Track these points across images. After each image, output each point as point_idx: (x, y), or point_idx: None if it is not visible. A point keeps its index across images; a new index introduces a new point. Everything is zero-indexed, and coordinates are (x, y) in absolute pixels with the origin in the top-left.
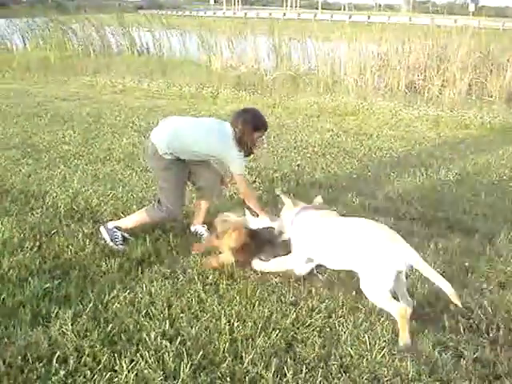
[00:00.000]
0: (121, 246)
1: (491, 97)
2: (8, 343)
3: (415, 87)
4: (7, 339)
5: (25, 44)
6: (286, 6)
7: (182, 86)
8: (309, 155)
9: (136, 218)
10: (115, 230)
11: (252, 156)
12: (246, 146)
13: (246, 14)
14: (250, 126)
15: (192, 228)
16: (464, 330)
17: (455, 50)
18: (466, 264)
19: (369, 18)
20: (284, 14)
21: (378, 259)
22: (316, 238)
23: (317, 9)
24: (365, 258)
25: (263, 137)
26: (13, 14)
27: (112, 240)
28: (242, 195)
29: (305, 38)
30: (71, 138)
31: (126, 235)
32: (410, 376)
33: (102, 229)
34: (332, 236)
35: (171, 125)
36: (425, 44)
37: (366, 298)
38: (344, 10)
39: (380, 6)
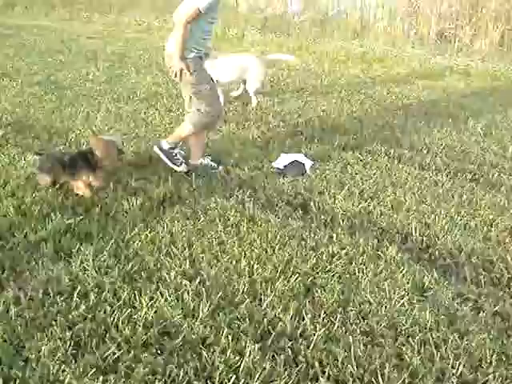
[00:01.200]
0: (183, 166)
1: None
2: (30, 277)
3: (446, 36)
4: (29, 273)
5: None
6: None
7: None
8: (334, 101)
9: (182, 133)
10: (171, 150)
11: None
12: None
13: None
14: None
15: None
16: (485, 283)
17: None
18: (491, 217)
19: None
20: None
21: None
22: None
23: None
24: None
25: None
26: None
27: (173, 162)
28: (178, 20)
29: None
30: (95, 75)
31: (182, 152)
32: (428, 325)
33: (156, 150)
34: None
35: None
36: None
37: (387, 247)
38: None
39: None
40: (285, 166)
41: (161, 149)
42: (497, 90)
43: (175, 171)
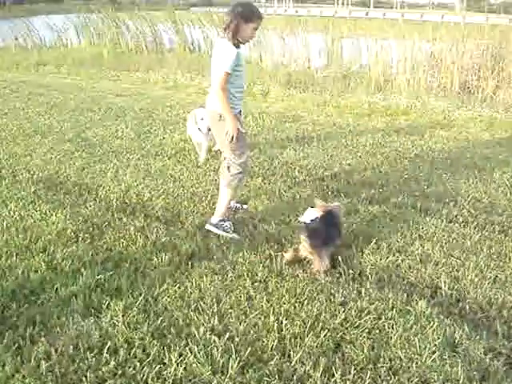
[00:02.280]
0: (235, 234)
1: None
2: (60, 332)
3: (469, 87)
4: (59, 328)
5: (79, 39)
6: (338, 4)
7: None
8: (359, 154)
9: (224, 200)
10: (221, 222)
11: (243, 45)
12: (240, 37)
13: (297, 11)
14: (243, 19)
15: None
16: None
17: (511, 49)
18: None
19: (422, 16)
20: (335, 12)
21: None
22: None
23: (368, 7)
24: None
25: (258, 26)
26: (67, 9)
27: (225, 231)
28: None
29: (356, 36)
30: (124, 132)
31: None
32: (460, 382)
33: (209, 227)
34: None
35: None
36: (479, 43)
37: (417, 302)
38: (396, 8)
39: (433, 4)
40: (312, 221)
41: (211, 224)
42: None
43: (203, 226)
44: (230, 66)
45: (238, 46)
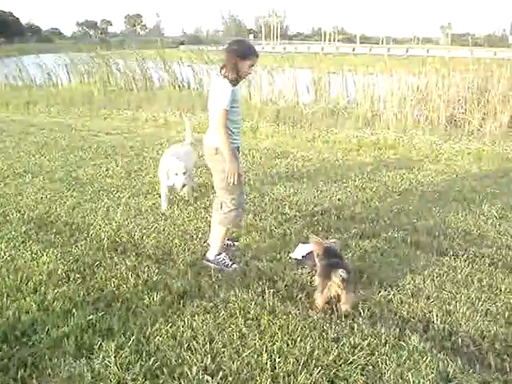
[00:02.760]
0: (234, 265)
1: None
2: (52, 374)
3: (455, 120)
4: (51, 370)
5: (69, 78)
6: (324, 41)
7: None
8: (349, 189)
9: (218, 237)
10: (217, 257)
11: (240, 84)
12: (236, 74)
13: (284, 48)
14: (239, 56)
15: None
16: (510, 370)
17: (496, 82)
18: (511, 301)
19: (407, 51)
20: (322, 49)
21: None
22: None
23: (355, 43)
24: None
25: (255, 63)
26: (57, 49)
27: (225, 266)
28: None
29: (343, 71)
30: (114, 171)
31: (229, 254)
32: None
33: (206, 263)
34: None
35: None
36: (465, 77)
37: (409, 337)
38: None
39: (418, 39)
40: (303, 257)
41: (208, 260)
42: (509, 172)
43: (194, 264)
44: (227, 103)
45: (235, 84)
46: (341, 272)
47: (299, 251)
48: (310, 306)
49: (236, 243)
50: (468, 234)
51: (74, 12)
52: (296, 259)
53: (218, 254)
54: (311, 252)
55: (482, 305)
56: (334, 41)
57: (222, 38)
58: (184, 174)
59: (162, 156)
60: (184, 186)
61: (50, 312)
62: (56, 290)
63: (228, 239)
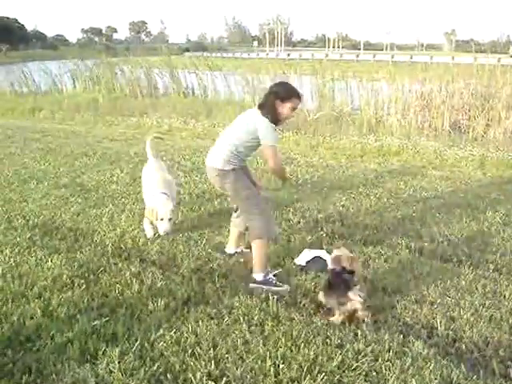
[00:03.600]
0: (285, 286)
1: None
2: (56, 380)
3: (459, 127)
4: (55, 376)
5: (74, 85)
6: (329, 47)
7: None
8: (353, 196)
9: (259, 253)
10: (266, 277)
11: (281, 126)
12: (275, 116)
13: (288, 54)
14: (278, 98)
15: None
16: None
17: (500, 89)
18: None
19: (411, 57)
20: (326, 55)
21: None
22: None
23: (359, 49)
24: None
25: (298, 106)
26: (62, 55)
27: (274, 285)
28: (271, 169)
29: (347, 78)
30: (119, 177)
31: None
32: None
33: (254, 286)
34: None
35: (219, 140)
36: (468, 83)
37: (413, 343)
38: (386, 50)
39: (422, 45)
40: (307, 262)
41: (256, 282)
42: None
43: (199, 270)
44: (275, 139)
45: (276, 124)
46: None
47: (304, 257)
48: (314, 312)
49: (246, 250)
50: (472, 241)
51: (79, 19)
52: (300, 265)
53: (266, 275)
54: (315, 257)
55: (485, 311)
56: (338, 47)
57: (226, 45)
58: (170, 219)
59: (145, 168)
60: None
61: (55, 317)
62: (60, 296)
63: (237, 247)
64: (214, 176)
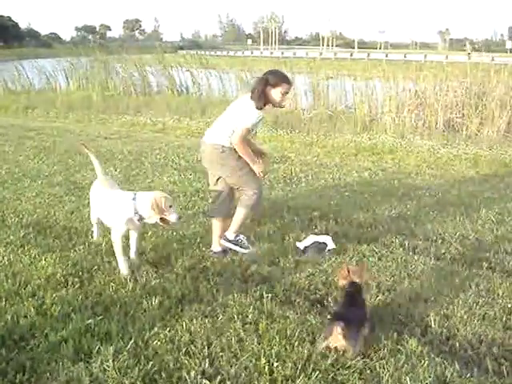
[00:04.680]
0: (251, 248)
1: None
2: (50, 378)
3: (453, 125)
4: (49, 374)
5: (68, 83)
6: (323, 46)
7: None
8: (347, 194)
9: (241, 218)
10: (237, 237)
11: (265, 111)
12: (264, 100)
13: (282, 53)
14: (270, 84)
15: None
16: (507, 374)
17: (493, 87)
18: (509, 305)
19: (405, 56)
20: (320, 54)
21: None
22: None
23: (353, 48)
24: None
25: (288, 91)
26: (56, 53)
27: (243, 247)
28: (235, 145)
29: (342, 76)
30: (112, 175)
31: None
32: None
33: (225, 243)
34: None
35: (218, 121)
36: (462, 82)
37: (407, 341)
38: (380, 48)
39: (416, 44)
40: (306, 247)
41: (227, 240)
42: (506, 176)
43: (194, 268)
44: (250, 125)
45: (259, 108)
46: (340, 328)
47: (305, 242)
48: (308, 310)
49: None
50: (466, 239)
51: (72, 17)
52: (298, 248)
53: (237, 236)
54: (313, 243)
55: (479, 309)
56: (333, 46)
57: (220, 43)
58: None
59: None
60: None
61: (49, 316)
62: (54, 295)
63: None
64: (220, 152)
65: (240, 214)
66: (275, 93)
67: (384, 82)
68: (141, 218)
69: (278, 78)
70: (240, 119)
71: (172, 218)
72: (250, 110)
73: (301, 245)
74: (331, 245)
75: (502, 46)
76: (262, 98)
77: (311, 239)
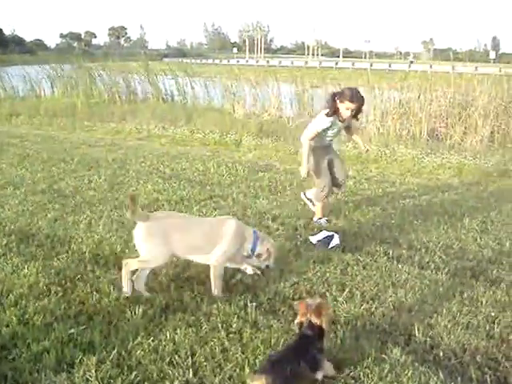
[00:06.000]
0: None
1: None
2: None
3: (437, 135)
4: None
5: (53, 90)
6: (308, 55)
7: (205, 133)
8: (332, 203)
9: (317, 208)
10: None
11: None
12: (332, 109)
13: (268, 62)
14: (337, 99)
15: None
16: (491, 382)
17: (477, 97)
18: (493, 314)
19: (390, 65)
20: (306, 62)
21: None
22: None
23: (338, 57)
24: None
25: (350, 109)
26: (40, 60)
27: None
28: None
29: (327, 85)
30: (97, 183)
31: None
32: None
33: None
34: None
35: None
36: (446, 91)
37: (391, 350)
38: (365, 57)
39: (401, 53)
40: (318, 241)
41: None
42: (490, 185)
43: (178, 277)
44: (314, 130)
45: (330, 115)
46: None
47: (318, 236)
48: (293, 319)
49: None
50: (449, 248)
51: (57, 24)
52: (311, 242)
53: (320, 218)
54: (327, 237)
55: (463, 318)
56: (318, 55)
57: (206, 51)
58: None
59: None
60: None
61: (31, 325)
62: (37, 304)
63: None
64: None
65: (316, 207)
66: (341, 107)
67: (368, 91)
68: None
69: (344, 95)
70: (311, 124)
71: None
72: (318, 118)
73: (313, 239)
74: (336, 241)
75: (486, 56)
76: (331, 109)
77: (323, 234)
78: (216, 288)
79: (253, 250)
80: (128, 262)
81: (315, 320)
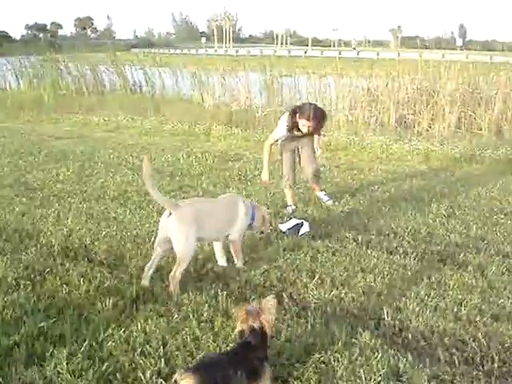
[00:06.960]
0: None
1: (480, 130)
2: (3, 383)
3: (405, 122)
4: (2, 379)
5: (18, 82)
6: (277, 44)
7: (174, 123)
8: (301, 190)
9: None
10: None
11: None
12: (290, 124)
13: (237, 51)
14: (296, 114)
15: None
16: (459, 363)
17: (444, 84)
18: (460, 297)
19: (358, 53)
20: (275, 51)
21: None
22: None
23: (307, 45)
24: None
25: (307, 126)
26: (5, 52)
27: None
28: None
29: (295, 74)
30: (65, 176)
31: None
32: None
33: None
34: None
35: None
36: (414, 79)
37: (361, 334)
38: (334, 46)
39: (369, 41)
40: (288, 229)
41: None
42: (457, 171)
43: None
44: (274, 137)
45: (289, 130)
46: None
47: (288, 224)
48: None
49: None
50: (417, 233)
51: (22, 15)
52: (281, 230)
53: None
54: (296, 225)
55: (431, 301)
56: (287, 44)
57: (174, 41)
58: None
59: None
60: None
61: (0, 320)
62: (6, 298)
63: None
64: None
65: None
66: (300, 122)
67: (337, 80)
68: None
69: (301, 112)
70: (274, 130)
71: None
72: (280, 124)
73: (283, 227)
74: (305, 228)
75: (453, 44)
76: (291, 121)
77: (292, 222)
78: (239, 260)
79: (253, 218)
80: (173, 275)
81: (258, 325)
